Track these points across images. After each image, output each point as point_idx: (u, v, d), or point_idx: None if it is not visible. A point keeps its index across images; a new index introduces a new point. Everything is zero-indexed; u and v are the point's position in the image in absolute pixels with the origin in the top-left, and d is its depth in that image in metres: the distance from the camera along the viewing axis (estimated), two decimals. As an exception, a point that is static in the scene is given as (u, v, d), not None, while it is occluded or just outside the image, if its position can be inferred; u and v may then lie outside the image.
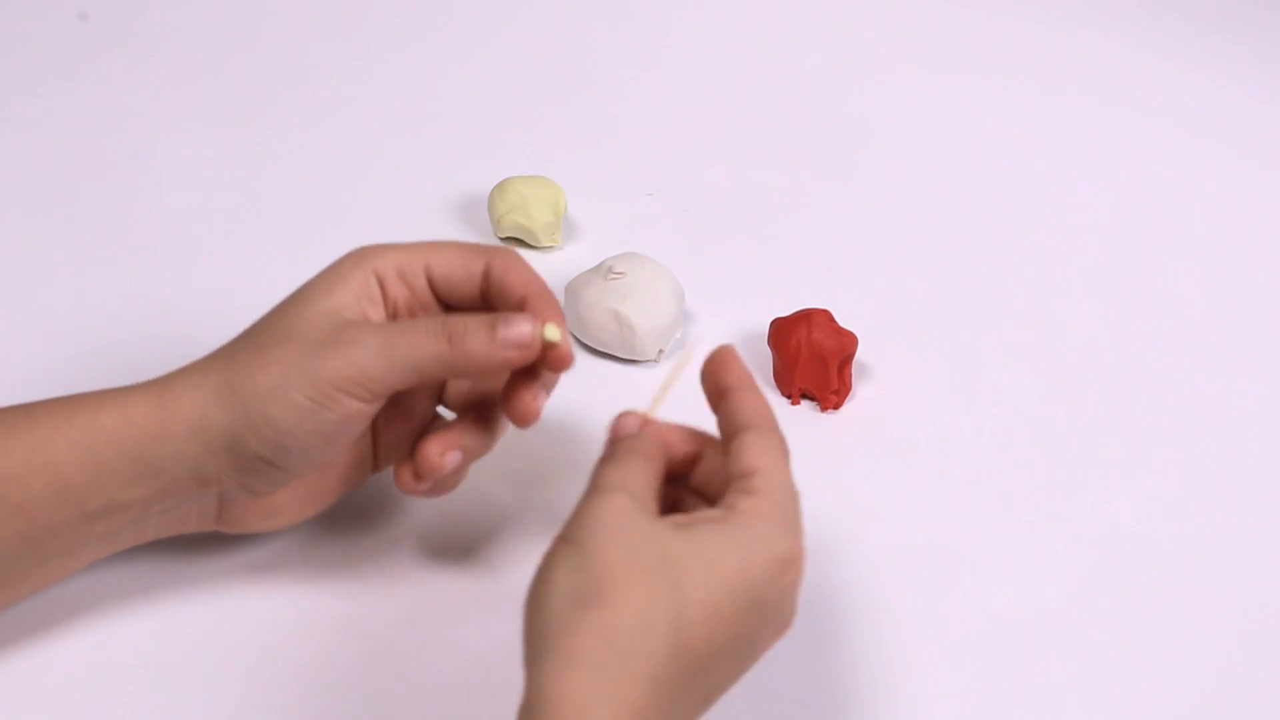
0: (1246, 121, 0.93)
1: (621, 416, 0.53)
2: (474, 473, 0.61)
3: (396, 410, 0.57)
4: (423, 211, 0.80)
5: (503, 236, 0.78)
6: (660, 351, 0.71)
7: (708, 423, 0.68)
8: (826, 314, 0.69)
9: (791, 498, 0.50)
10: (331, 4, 0.99)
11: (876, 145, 0.89)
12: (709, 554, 0.47)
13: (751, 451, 0.51)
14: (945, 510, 0.64)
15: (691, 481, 0.54)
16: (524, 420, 0.55)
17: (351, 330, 0.53)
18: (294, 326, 0.53)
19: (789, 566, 0.48)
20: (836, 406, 0.69)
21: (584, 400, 0.68)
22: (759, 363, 0.71)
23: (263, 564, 0.59)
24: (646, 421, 0.53)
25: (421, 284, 0.56)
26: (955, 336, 0.74)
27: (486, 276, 0.56)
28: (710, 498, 0.53)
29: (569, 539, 0.48)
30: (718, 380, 0.54)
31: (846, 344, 0.68)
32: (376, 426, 0.58)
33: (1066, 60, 0.98)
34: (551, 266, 0.77)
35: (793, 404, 0.69)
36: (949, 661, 0.58)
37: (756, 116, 0.91)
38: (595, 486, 0.49)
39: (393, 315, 0.56)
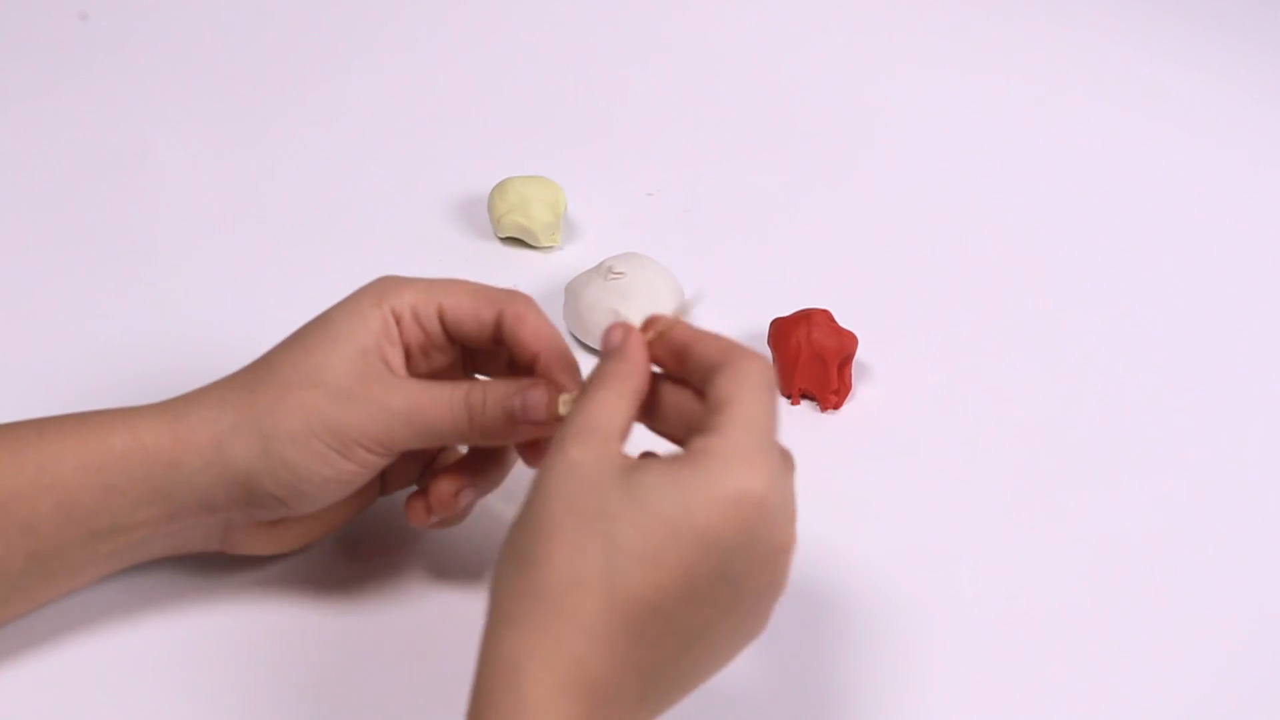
0: (1247, 121, 0.93)
1: (609, 329, 0.51)
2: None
3: None
4: (423, 211, 0.80)
5: (502, 236, 0.78)
6: (660, 351, 0.71)
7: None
8: (826, 314, 0.69)
9: (755, 430, 0.47)
10: (331, 4, 0.99)
11: (876, 145, 0.89)
12: (646, 499, 0.45)
13: (719, 388, 0.48)
14: (945, 510, 0.64)
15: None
16: (534, 461, 0.56)
17: (379, 388, 0.53)
18: (318, 371, 0.53)
19: (743, 502, 0.46)
20: (836, 406, 0.69)
21: (584, 400, 0.68)
22: (759, 363, 0.71)
23: (268, 579, 0.59)
24: (630, 333, 0.50)
25: (435, 326, 0.56)
26: (955, 336, 0.74)
27: (499, 324, 0.56)
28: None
29: (524, 503, 0.47)
30: (664, 350, 0.51)
31: (846, 344, 0.68)
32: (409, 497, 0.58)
33: (1066, 60, 0.98)
34: (551, 266, 0.77)
35: (793, 404, 0.69)
36: (949, 661, 0.58)
37: (756, 116, 0.91)
38: (556, 438, 0.48)
39: (407, 355, 0.56)
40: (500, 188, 0.77)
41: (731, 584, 0.46)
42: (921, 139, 0.89)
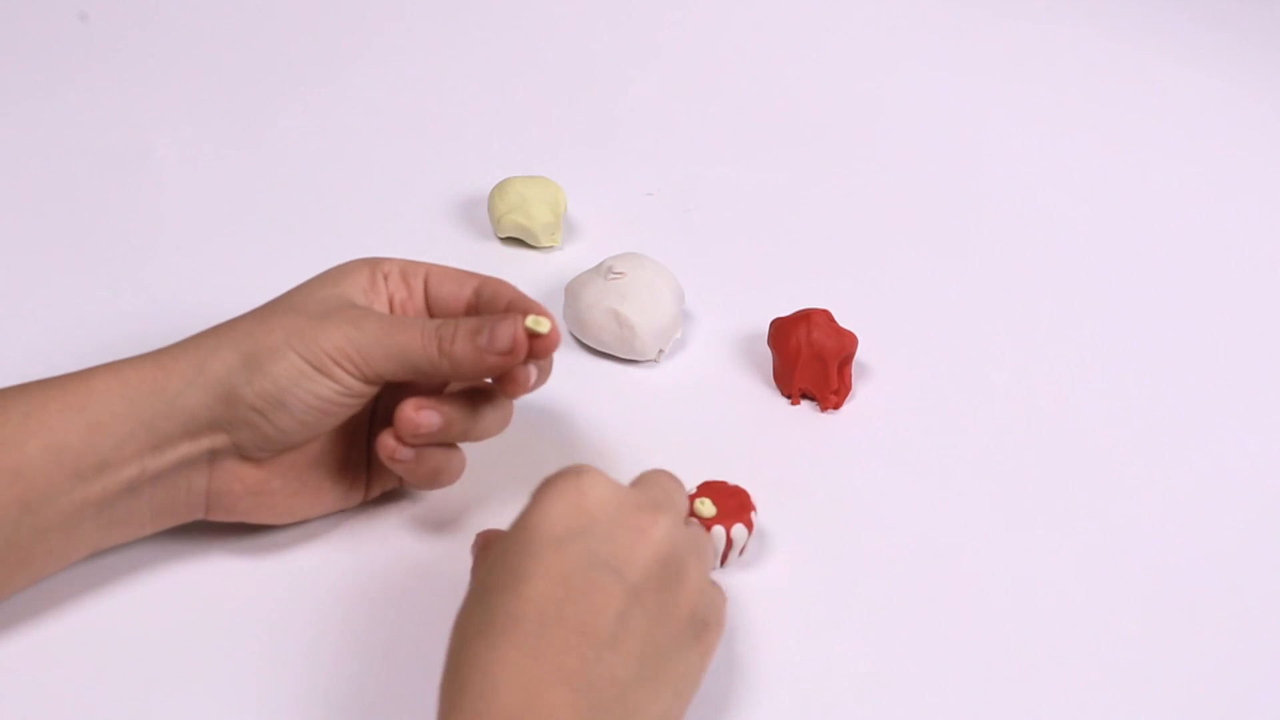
0: (1248, 122, 0.93)
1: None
2: (474, 472, 0.62)
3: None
4: (423, 211, 0.80)
5: (503, 236, 0.78)
6: (660, 351, 0.71)
7: (706, 422, 0.68)
8: (826, 314, 0.69)
9: (565, 465, 0.51)
10: (332, 4, 0.99)
11: (877, 145, 0.89)
12: (499, 549, 0.50)
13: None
14: (945, 510, 0.64)
15: None
16: (514, 389, 0.58)
17: (355, 312, 0.56)
18: (300, 302, 0.57)
19: (565, 490, 0.50)
20: (836, 406, 0.69)
21: (584, 400, 0.68)
22: (759, 363, 0.71)
23: (257, 570, 0.59)
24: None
25: (419, 287, 0.60)
26: (955, 336, 0.74)
27: (477, 293, 0.59)
28: None
29: None
30: None
31: (846, 344, 0.68)
32: (371, 442, 0.60)
33: (1066, 62, 0.98)
34: (551, 266, 0.77)
35: (793, 404, 0.69)
36: (949, 661, 0.58)
37: (757, 116, 0.91)
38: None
39: (390, 309, 0.59)
40: (500, 188, 0.77)
41: (611, 569, 0.48)
42: (922, 139, 0.89)
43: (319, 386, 0.55)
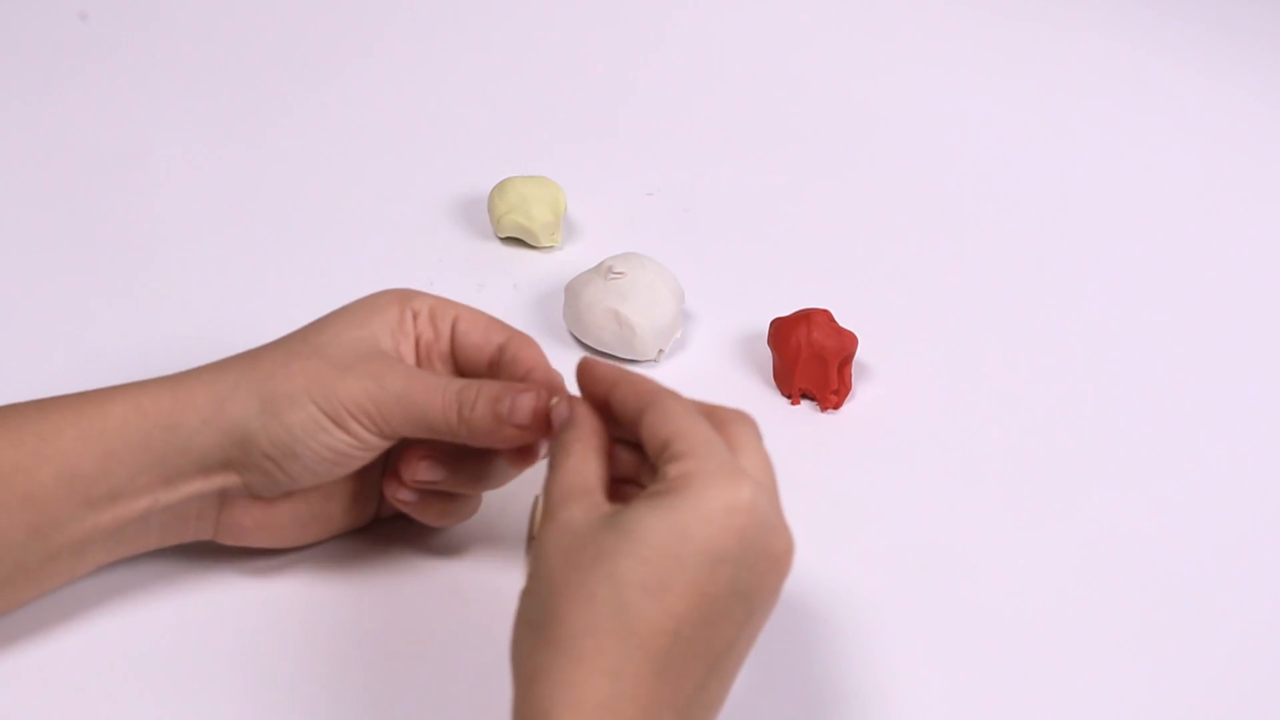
0: (1248, 122, 0.93)
1: (553, 408, 0.53)
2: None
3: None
4: (423, 211, 0.80)
5: (503, 236, 0.78)
6: (660, 351, 0.71)
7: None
8: (826, 314, 0.69)
9: (718, 448, 0.48)
10: (332, 4, 0.99)
11: (877, 145, 0.89)
12: (639, 533, 0.46)
13: (657, 425, 0.49)
14: (945, 510, 0.64)
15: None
16: (522, 463, 0.57)
17: (379, 365, 0.55)
18: (326, 345, 0.55)
19: (735, 511, 0.46)
20: (836, 406, 0.69)
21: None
22: (759, 363, 0.71)
23: (266, 587, 0.59)
24: (574, 402, 0.53)
25: (446, 331, 0.58)
26: (955, 336, 0.74)
27: (501, 350, 0.57)
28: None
29: (527, 573, 0.49)
30: (594, 388, 0.53)
31: (846, 344, 0.68)
32: (385, 472, 0.59)
33: (1067, 60, 0.98)
34: (551, 266, 0.77)
35: (793, 404, 0.69)
36: (949, 661, 0.58)
37: (756, 116, 0.91)
38: (544, 509, 0.50)
39: (415, 351, 0.57)
40: (500, 188, 0.77)
41: (744, 598, 0.47)
42: (921, 139, 0.89)
43: (333, 439, 0.54)
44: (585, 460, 0.50)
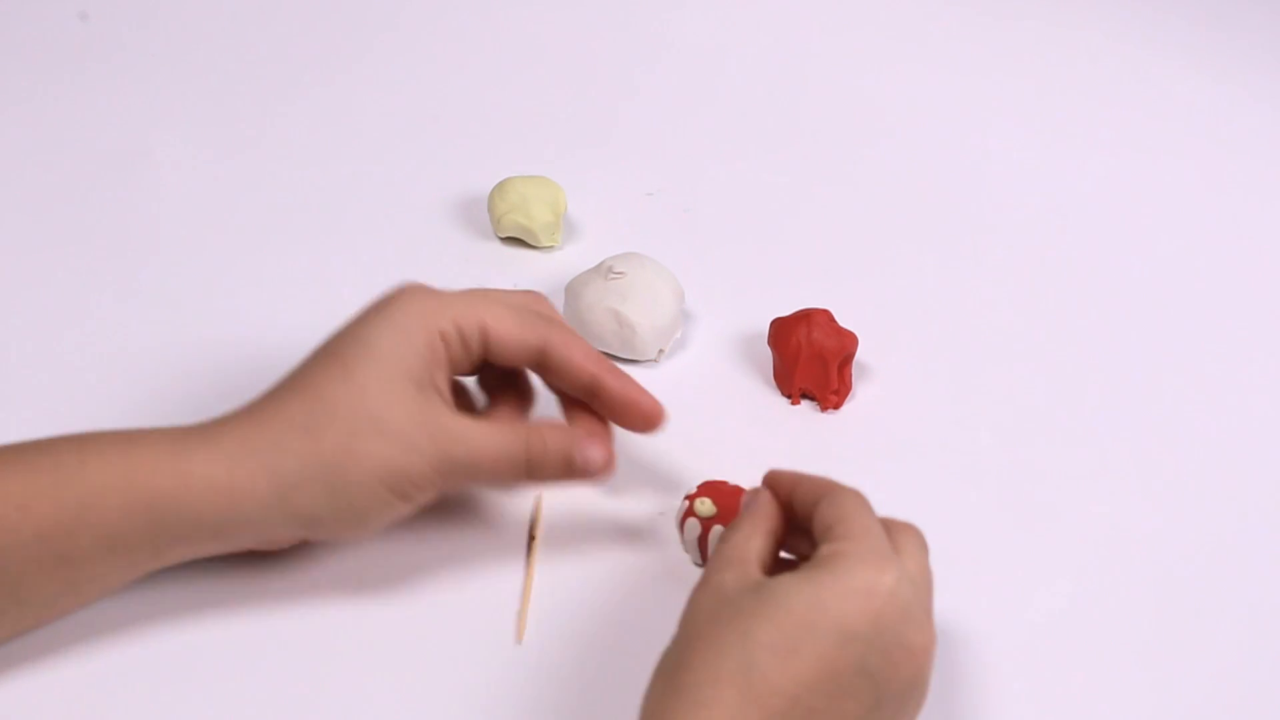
0: (1249, 123, 0.93)
1: (748, 494, 0.55)
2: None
3: None
4: (423, 211, 0.80)
5: (503, 236, 0.78)
6: (660, 351, 0.71)
7: (706, 422, 0.68)
8: (826, 314, 0.69)
9: (874, 535, 0.50)
10: (332, 5, 0.99)
11: (877, 145, 0.89)
12: (780, 598, 0.48)
13: (828, 510, 0.52)
14: (945, 510, 0.64)
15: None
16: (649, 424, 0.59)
17: (444, 438, 0.54)
18: (382, 416, 0.54)
19: (873, 593, 0.48)
20: (836, 406, 0.69)
21: (584, 400, 0.68)
22: (759, 363, 0.71)
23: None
24: (762, 491, 0.55)
25: (477, 346, 0.57)
26: (955, 336, 0.74)
27: (543, 350, 0.57)
28: None
29: (674, 637, 0.50)
30: (778, 488, 0.55)
31: (846, 344, 0.68)
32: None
33: (1068, 62, 0.98)
34: (551, 266, 0.77)
35: (793, 404, 0.69)
36: (948, 662, 0.58)
37: (757, 116, 0.91)
38: (705, 571, 0.51)
39: (449, 375, 0.57)
40: (500, 188, 0.77)
41: (871, 679, 0.48)
42: (922, 139, 0.89)
43: (401, 510, 0.55)
44: (751, 536, 0.52)
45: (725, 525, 0.59)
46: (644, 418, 0.58)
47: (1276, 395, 0.72)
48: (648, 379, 0.70)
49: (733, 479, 0.61)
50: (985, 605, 0.60)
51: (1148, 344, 0.74)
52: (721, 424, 0.68)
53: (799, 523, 0.54)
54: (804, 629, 0.47)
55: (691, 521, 0.59)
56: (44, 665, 0.55)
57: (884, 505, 0.64)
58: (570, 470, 0.56)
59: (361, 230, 0.79)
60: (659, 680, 0.48)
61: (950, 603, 0.60)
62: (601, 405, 0.58)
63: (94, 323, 0.72)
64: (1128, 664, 0.58)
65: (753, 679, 0.46)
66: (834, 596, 0.48)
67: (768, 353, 0.70)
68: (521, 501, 0.63)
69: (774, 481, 0.55)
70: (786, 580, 0.49)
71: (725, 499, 0.60)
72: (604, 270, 0.71)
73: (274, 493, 0.53)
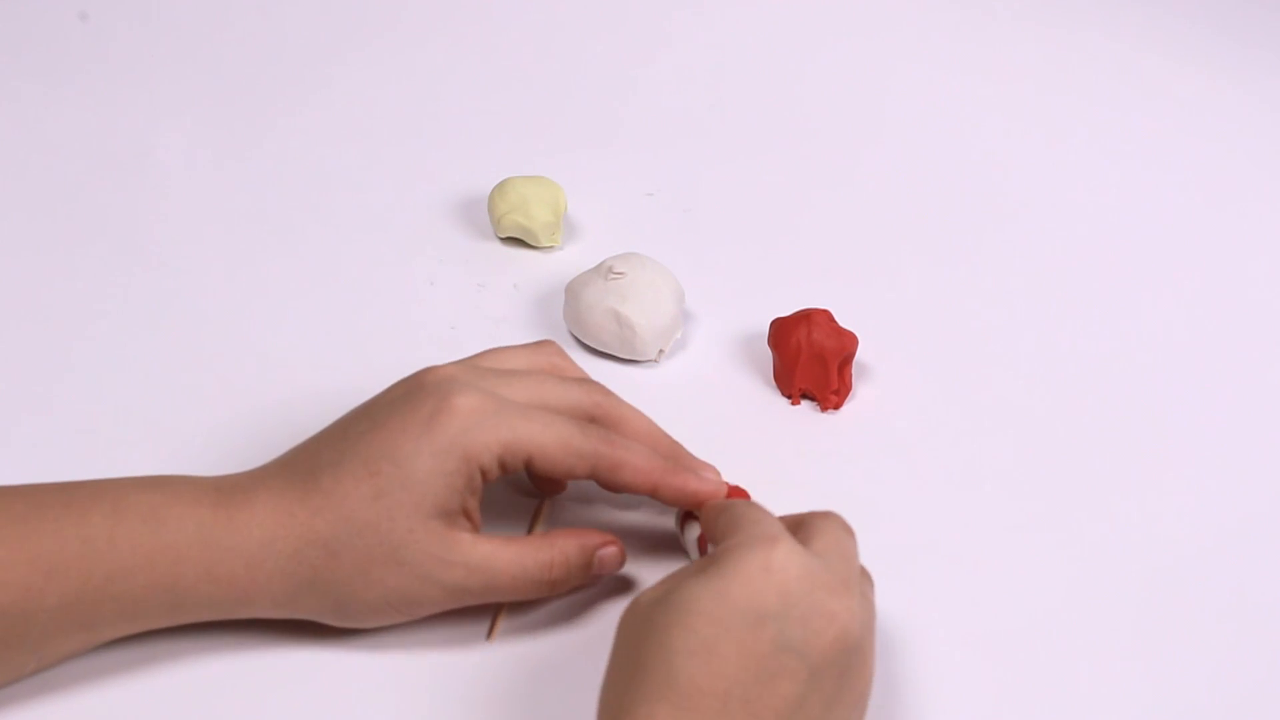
0: (1249, 125, 0.93)
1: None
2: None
3: None
4: (423, 211, 0.80)
5: (503, 236, 0.78)
6: (660, 351, 0.71)
7: (706, 422, 0.68)
8: (826, 314, 0.69)
9: (759, 523, 0.51)
10: (332, 4, 0.99)
11: (877, 146, 0.89)
12: (686, 603, 0.48)
13: (722, 520, 0.53)
14: (945, 510, 0.64)
15: None
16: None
17: (461, 570, 0.54)
18: (403, 546, 0.54)
19: (768, 568, 0.48)
20: (836, 406, 0.69)
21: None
22: (759, 363, 0.71)
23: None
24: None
25: (519, 468, 0.56)
26: (956, 337, 0.74)
27: (592, 474, 0.57)
28: None
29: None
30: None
31: (846, 344, 0.68)
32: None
33: (1067, 61, 0.98)
34: (551, 266, 0.77)
35: (793, 404, 0.69)
36: (948, 661, 0.58)
37: (757, 116, 0.91)
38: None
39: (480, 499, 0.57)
40: (500, 188, 0.77)
41: (796, 653, 0.48)
42: (922, 139, 0.89)
43: (401, 620, 0.56)
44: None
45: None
46: (700, 502, 0.58)
47: (1278, 395, 0.72)
48: (648, 379, 0.70)
49: (733, 479, 0.61)
50: (985, 604, 0.60)
51: (1148, 343, 0.74)
52: (721, 424, 0.68)
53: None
54: (715, 625, 0.47)
55: (692, 523, 0.59)
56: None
57: (884, 505, 0.64)
58: (587, 576, 0.57)
59: (362, 230, 0.79)
60: (601, 713, 0.49)
61: (950, 602, 0.60)
62: (663, 499, 0.58)
63: (94, 323, 0.72)
64: (1128, 664, 0.58)
65: (679, 688, 0.46)
66: (734, 585, 0.48)
67: (768, 353, 0.70)
68: (525, 501, 0.63)
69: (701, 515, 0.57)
70: (688, 584, 0.49)
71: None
72: (604, 270, 0.71)
73: (286, 596, 0.54)
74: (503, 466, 0.55)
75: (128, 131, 0.86)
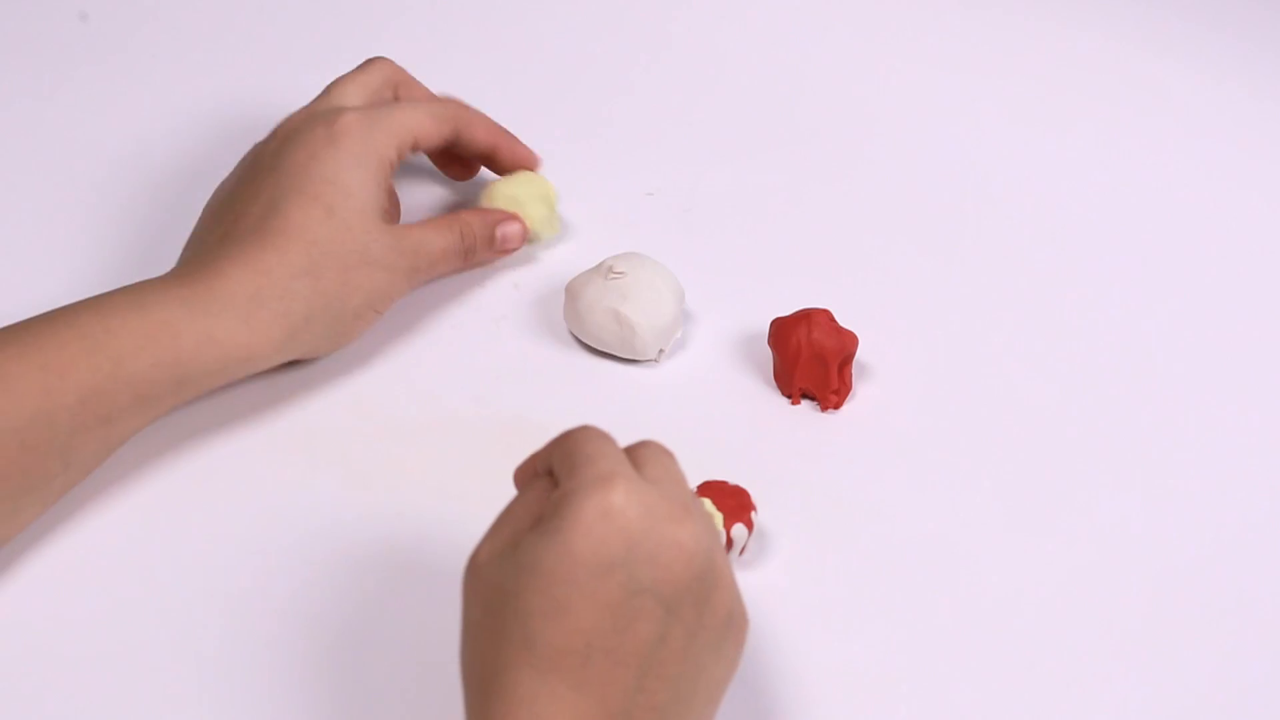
0: (1249, 121, 0.92)
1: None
2: (475, 472, 0.62)
3: None
4: (422, 212, 0.80)
5: (503, 236, 0.78)
6: (660, 351, 0.71)
7: (706, 422, 0.68)
8: (826, 314, 0.69)
9: (593, 461, 0.49)
10: (331, 5, 0.99)
11: (877, 145, 0.89)
12: (533, 563, 0.47)
13: (555, 454, 0.51)
14: (946, 510, 0.64)
15: None
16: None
17: (411, 256, 0.66)
18: (367, 248, 0.64)
19: (607, 514, 0.47)
20: (836, 406, 0.69)
21: (584, 400, 0.68)
22: (759, 363, 0.71)
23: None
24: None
25: (408, 154, 0.68)
26: (956, 336, 0.74)
27: (455, 135, 0.71)
28: None
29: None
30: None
31: (846, 344, 0.68)
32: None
33: (1067, 61, 0.98)
34: (551, 266, 0.77)
35: (793, 404, 0.69)
36: (950, 660, 0.58)
37: (756, 116, 0.91)
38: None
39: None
40: (488, 194, 0.76)
41: (650, 593, 0.47)
42: (922, 139, 0.89)
43: (372, 322, 0.65)
44: (513, 510, 0.51)
45: (725, 525, 0.59)
46: (528, 164, 0.74)
47: (1278, 395, 0.72)
48: (648, 379, 0.70)
49: (732, 479, 0.61)
50: (986, 604, 0.60)
51: (1148, 342, 0.74)
52: (721, 424, 0.68)
53: None
54: (564, 583, 0.46)
55: (702, 502, 0.59)
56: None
57: (884, 505, 0.64)
58: (494, 246, 0.70)
59: (361, 230, 0.79)
60: (468, 689, 0.48)
61: (950, 602, 0.60)
62: (498, 165, 0.74)
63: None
64: (1128, 663, 0.58)
65: (539, 652, 0.46)
66: (576, 538, 0.47)
67: (768, 353, 0.70)
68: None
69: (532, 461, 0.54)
70: (532, 541, 0.48)
71: (725, 499, 0.60)
72: (604, 270, 0.71)
73: (286, 335, 0.61)
74: (399, 154, 0.67)
75: (128, 131, 0.85)
